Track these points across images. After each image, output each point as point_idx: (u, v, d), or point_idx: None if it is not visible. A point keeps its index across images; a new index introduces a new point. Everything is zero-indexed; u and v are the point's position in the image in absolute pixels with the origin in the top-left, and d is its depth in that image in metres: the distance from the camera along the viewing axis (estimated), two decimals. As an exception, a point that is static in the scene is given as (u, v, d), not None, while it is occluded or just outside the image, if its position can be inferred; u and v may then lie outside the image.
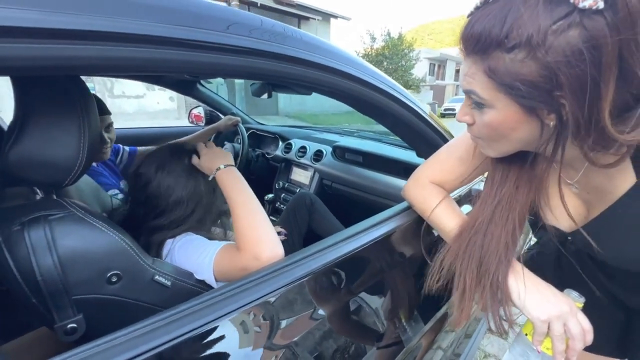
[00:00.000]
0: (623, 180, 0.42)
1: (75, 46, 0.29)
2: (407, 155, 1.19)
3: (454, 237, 0.58)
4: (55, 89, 0.47)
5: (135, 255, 0.48)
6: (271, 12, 12.54)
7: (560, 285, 0.57)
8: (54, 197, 0.48)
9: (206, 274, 0.57)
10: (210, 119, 1.82)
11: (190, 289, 0.55)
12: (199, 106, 1.86)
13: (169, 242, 0.62)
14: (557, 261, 0.68)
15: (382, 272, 0.65)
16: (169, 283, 0.52)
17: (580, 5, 0.30)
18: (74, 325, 0.42)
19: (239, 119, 1.64)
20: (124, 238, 0.47)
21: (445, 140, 0.83)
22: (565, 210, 0.46)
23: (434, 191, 0.65)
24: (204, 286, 0.57)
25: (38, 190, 0.48)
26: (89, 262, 0.44)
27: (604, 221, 0.47)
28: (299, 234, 1.21)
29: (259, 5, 11.71)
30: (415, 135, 0.81)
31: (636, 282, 0.55)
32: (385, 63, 18.55)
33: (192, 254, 0.58)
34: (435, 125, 0.82)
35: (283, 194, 1.64)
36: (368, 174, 1.28)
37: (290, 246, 1.18)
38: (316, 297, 0.53)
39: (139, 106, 9.71)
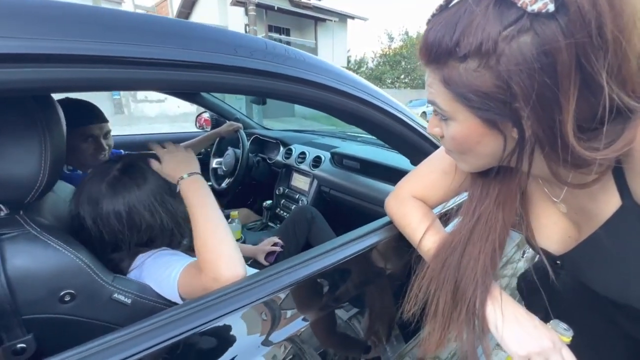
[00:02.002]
0: (606, 202, 0.37)
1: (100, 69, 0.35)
2: (405, 162, 1.14)
3: (431, 257, 0.54)
4: (16, 107, 0.47)
5: (91, 274, 0.48)
6: (288, 14, 12.67)
7: (557, 311, 0.51)
8: (20, 213, 0.48)
9: (172, 293, 0.56)
10: (216, 124, 1.84)
11: (152, 306, 0.54)
12: (207, 111, 1.89)
13: (140, 256, 0.62)
14: (550, 286, 0.62)
15: (364, 285, 0.63)
16: (128, 301, 0.51)
17: (529, 9, 0.27)
18: (23, 345, 0.42)
19: (240, 125, 1.64)
20: (79, 256, 0.47)
21: (436, 148, 0.78)
22: (528, 229, 0.41)
23: (414, 206, 0.61)
24: (169, 304, 0.56)
25: (3, 207, 0.49)
26: (40, 281, 0.44)
27: (588, 247, 0.42)
28: (297, 246, 1.19)
29: (275, 8, 11.86)
30: (407, 144, 0.78)
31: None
32: (403, 63, 18.27)
33: (158, 271, 0.57)
34: (426, 134, 0.78)
35: (283, 201, 1.63)
36: (365, 181, 1.25)
37: (286, 257, 1.16)
38: (298, 307, 0.51)
39: (160, 110, 10.10)
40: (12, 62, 0.31)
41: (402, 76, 18.61)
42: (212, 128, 1.82)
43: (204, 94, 1.75)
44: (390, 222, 0.69)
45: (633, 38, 0.27)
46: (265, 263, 1.11)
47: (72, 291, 0.46)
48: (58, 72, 0.33)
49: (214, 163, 1.79)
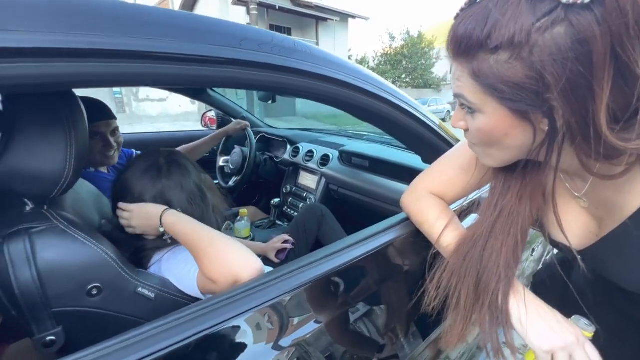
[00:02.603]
0: (635, 195, 0.37)
1: (96, 64, 0.33)
2: (414, 160, 1.14)
3: (452, 252, 0.54)
4: (43, 103, 0.48)
5: (117, 268, 0.48)
6: (289, 14, 12.65)
7: (573, 310, 0.51)
8: (45, 208, 0.49)
9: (192, 289, 0.56)
10: (222, 122, 1.85)
11: (174, 300, 0.54)
12: (212, 110, 1.89)
13: (159, 252, 0.62)
14: (566, 282, 0.62)
15: (380, 283, 0.63)
16: (152, 295, 0.51)
17: (564, 0, 0.27)
18: (53, 337, 0.43)
19: (247, 123, 1.65)
20: (106, 250, 0.47)
21: (451, 147, 0.78)
22: (558, 224, 0.41)
23: (432, 203, 0.61)
24: (190, 298, 0.57)
25: (28, 202, 0.49)
26: (69, 275, 0.44)
27: (613, 241, 0.42)
28: (307, 244, 1.19)
29: (277, 8, 11.84)
30: (420, 142, 0.78)
31: None
32: (404, 62, 18.24)
33: (178, 266, 0.58)
34: (440, 132, 0.78)
35: (290, 199, 1.63)
36: (374, 179, 1.25)
37: (296, 255, 1.16)
38: (312, 306, 0.51)
39: (162, 109, 10.09)
40: (14, 56, 0.29)
41: (403, 75, 18.56)
42: (218, 127, 1.83)
43: (210, 92, 1.76)
44: (406, 219, 0.69)
45: None
46: (276, 260, 1.12)
47: (99, 285, 0.46)
48: (62, 67, 0.32)
49: (221, 161, 1.79)
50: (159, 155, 0.67)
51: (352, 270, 0.58)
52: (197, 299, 0.56)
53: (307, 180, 1.58)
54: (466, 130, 0.43)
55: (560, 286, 0.65)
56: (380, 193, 1.20)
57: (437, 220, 0.59)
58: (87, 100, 0.91)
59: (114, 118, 0.99)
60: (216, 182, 1.75)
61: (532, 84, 0.31)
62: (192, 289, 0.56)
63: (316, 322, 0.51)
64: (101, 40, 0.32)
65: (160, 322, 0.38)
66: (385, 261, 0.65)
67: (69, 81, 0.34)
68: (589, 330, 0.45)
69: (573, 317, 0.47)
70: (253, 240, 1.30)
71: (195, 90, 1.72)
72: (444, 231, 0.57)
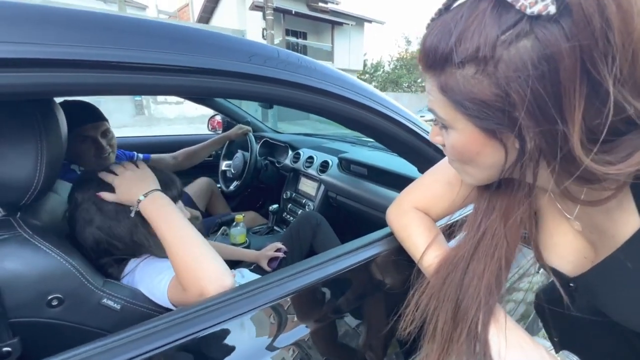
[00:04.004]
0: (625, 223, 0.33)
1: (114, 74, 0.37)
2: (413, 170, 1.10)
3: (432, 272, 0.50)
4: (13, 108, 0.48)
5: (80, 278, 0.47)
6: (305, 19, 12.78)
7: (570, 337, 0.47)
8: (17, 215, 0.49)
9: (163, 300, 0.55)
10: (228, 126, 1.86)
11: (143, 312, 0.53)
12: (219, 113, 1.91)
13: (132, 261, 0.61)
14: (564, 308, 0.57)
15: (361, 299, 0.60)
16: (118, 307, 0.50)
17: (528, 11, 0.25)
18: (9, 348, 0.42)
19: (249, 128, 1.65)
20: (69, 260, 0.47)
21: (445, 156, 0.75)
22: (535, 249, 0.37)
23: (416, 218, 0.58)
24: (160, 310, 0.55)
25: (0, 209, 0.49)
26: (28, 285, 0.43)
27: (605, 270, 0.38)
28: (300, 253, 1.17)
29: (293, 12, 11.99)
30: (416, 153, 0.76)
31: None
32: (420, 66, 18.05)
33: (149, 277, 0.57)
34: (439, 145, 0.75)
35: (290, 205, 1.61)
36: (372, 187, 1.21)
37: (288, 264, 1.14)
38: (290, 319, 0.50)
39: (179, 111, 10.39)
40: (32, 66, 0.32)
41: (419, 80, 18.37)
42: (224, 130, 1.84)
43: (216, 98, 1.78)
44: (390, 234, 0.66)
45: None
46: (267, 269, 1.10)
47: (60, 295, 0.45)
48: (81, 77, 0.35)
49: (223, 165, 1.80)
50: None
51: (332, 284, 0.56)
52: (168, 311, 0.55)
53: (307, 186, 1.56)
54: (443, 146, 0.40)
55: (561, 310, 0.61)
56: (378, 202, 1.16)
57: (420, 237, 0.56)
58: (74, 104, 0.91)
59: (103, 119, 0.95)
60: (218, 186, 1.75)
61: (498, 102, 0.29)
62: (162, 299, 0.55)
63: (305, 328, 0.50)
64: (117, 54, 0.36)
65: (122, 334, 0.37)
66: (368, 276, 0.62)
67: (81, 90, 0.37)
68: (578, 369, 0.41)
69: (561, 352, 0.43)
70: (249, 246, 1.29)
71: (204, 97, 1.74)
72: (427, 250, 0.54)
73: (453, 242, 0.62)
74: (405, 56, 18.69)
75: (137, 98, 9.13)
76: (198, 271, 0.49)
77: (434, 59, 0.32)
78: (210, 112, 1.95)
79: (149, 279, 0.56)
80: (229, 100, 1.82)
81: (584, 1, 0.24)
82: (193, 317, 0.41)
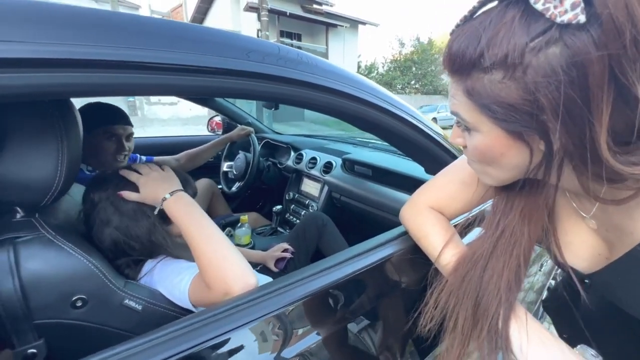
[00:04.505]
0: None
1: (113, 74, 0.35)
2: (418, 170, 1.11)
3: (450, 271, 0.51)
4: (35, 110, 0.47)
5: (103, 279, 0.47)
6: (300, 20, 12.80)
7: (582, 333, 0.48)
8: (35, 216, 0.49)
9: (183, 300, 0.55)
10: (228, 127, 1.86)
11: (163, 313, 0.53)
12: (218, 114, 1.91)
13: (149, 262, 0.61)
14: (578, 305, 0.59)
15: (378, 299, 0.61)
16: (139, 307, 0.50)
17: (558, 20, 0.26)
18: (34, 350, 0.42)
19: (251, 129, 1.65)
20: (92, 261, 0.46)
21: (454, 158, 0.76)
22: (557, 247, 0.39)
23: (431, 217, 0.59)
24: (179, 310, 0.55)
25: (19, 210, 0.49)
26: (53, 286, 0.43)
27: (623, 266, 0.39)
28: (307, 253, 1.17)
29: (288, 14, 11.99)
30: (422, 152, 0.77)
31: None
32: (414, 68, 18.23)
33: (169, 277, 0.57)
34: (443, 143, 0.76)
35: (293, 206, 1.62)
36: (376, 188, 1.22)
37: (295, 264, 1.15)
38: (308, 322, 0.50)
39: (173, 112, 10.29)
40: (27, 67, 0.31)
41: (413, 82, 18.53)
42: (224, 132, 1.84)
43: (216, 98, 1.77)
44: (405, 233, 0.67)
45: None
46: (274, 269, 1.10)
47: (84, 296, 0.45)
48: (72, 77, 0.33)
49: (225, 167, 1.79)
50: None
51: (349, 285, 0.56)
52: (188, 311, 0.55)
53: (310, 187, 1.57)
54: (464, 147, 0.41)
55: (570, 309, 0.62)
56: (383, 202, 1.17)
57: (437, 237, 0.57)
58: (106, 105, 0.97)
59: (131, 125, 1.04)
60: (220, 187, 1.75)
61: (526, 106, 0.30)
62: (183, 300, 0.55)
63: (312, 337, 0.50)
64: (112, 52, 0.34)
65: (147, 337, 0.37)
66: (384, 276, 0.63)
67: (72, 91, 0.35)
68: (596, 362, 0.42)
69: (579, 346, 0.44)
70: (253, 247, 1.29)
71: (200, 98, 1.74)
72: (444, 249, 0.55)
73: (467, 239, 0.63)
74: (398, 58, 18.84)
75: (130, 99, 9.02)
76: (224, 270, 0.49)
77: (461, 63, 0.32)
78: (204, 113, 1.95)
79: (168, 279, 0.56)
80: (227, 100, 1.82)
81: (614, 11, 0.25)
82: (210, 321, 0.41)
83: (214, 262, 0.50)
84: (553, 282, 1.35)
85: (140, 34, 0.36)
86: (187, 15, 15.21)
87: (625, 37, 0.25)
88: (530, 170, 0.35)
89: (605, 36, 0.25)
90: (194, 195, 0.68)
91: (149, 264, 0.60)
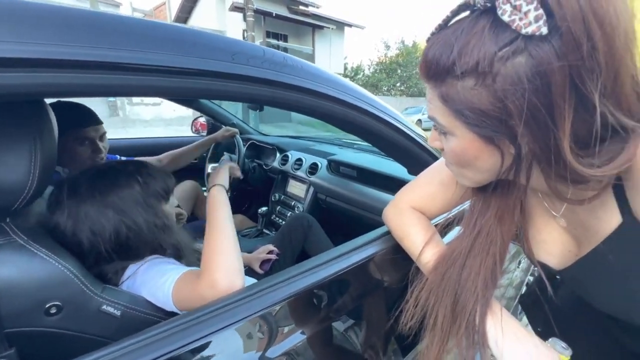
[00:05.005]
0: (608, 220, 0.37)
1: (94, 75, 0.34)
2: (402, 171, 1.14)
3: (430, 269, 0.53)
4: (7, 111, 0.46)
5: (79, 284, 0.46)
6: (286, 21, 12.78)
7: (555, 327, 0.50)
8: (6, 221, 0.47)
9: (166, 302, 0.54)
10: (213, 128, 1.83)
11: (144, 318, 0.52)
12: (203, 115, 1.88)
13: (132, 265, 0.60)
14: (550, 300, 0.61)
15: (361, 298, 0.62)
16: (118, 313, 0.49)
17: (523, 31, 0.28)
18: (5, 360, 0.40)
19: (236, 130, 1.63)
20: (67, 266, 0.45)
21: (435, 158, 0.78)
22: (527, 244, 0.41)
23: (413, 217, 0.61)
24: (162, 315, 0.54)
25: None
26: (25, 293, 0.42)
27: (589, 262, 0.41)
28: (292, 254, 1.18)
29: (274, 15, 11.95)
30: (404, 154, 0.78)
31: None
32: (399, 71, 18.50)
33: (152, 280, 0.56)
34: (424, 144, 0.78)
35: (279, 207, 1.61)
36: (361, 189, 1.24)
37: (281, 266, 1.15)
38: (292, 322, 0.50)
39: (156, 113, 10.05)
40: (5, 66, 0.30)
41: (398, 84, 18.83)
42: (208, 133, 1.81)
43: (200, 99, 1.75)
44: (389, 232, 0.68)
45: (625, 60, 0.28)
46: (260, 271, 1.09)
47: (59, 303, 0.44)
48: (52, 78, 0.32)
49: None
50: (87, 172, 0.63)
51: (333, 284, 0.57)
52: (171, 315, 0.54)
53: (296, 188, 1.57)
54: (442, 150, 0.43)
55: (547, 302, 0.65)
56: (368, 203, 1.19)
57: (418, 236, 0.58)
58: (75, 106, 0.93)
59: (101, 123, 1.00)
60: (204, 189, 1.72)
61: (495, 112, 0.31)
62: (166, 302, 0.54)
63: (297, 336, 0.50)
64: (94, 53, 0.33)
65: (125, 342, 0.37)
66: (367, 275, 0.64)
67: (54, 91, 0.35)
68: (566, 354, 0.44)
69: (550, 339, 0.46)
70: (238, 249, 1.28)
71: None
72: (424, 248, 0.56)
73: (447, 238, 0.65)
74: (384, 60, 19.11)
75: (111, 99, 8.75)
76: (223, 261, 0.53)
77: (436, 70, 0.34)
78: (188, 113, 1.92)
79: (152, 281, 0.55)
80: (212, 101, 1.80)
81: (572, 24, 0.26)
82: (192, 324, 0.41)
83: (217, 251, 0.55)
84: (531, 279, 1.40)
85: (120, 34, 0.35)
86: (170, 14, 14.93)
87: (582, 49, 0.27)
88: (502, 172, 0.37)
89: (565, 47, 0.27)
90: (170, 190, 0.69)
91: (132, 268, 0.59)
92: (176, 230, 0.67)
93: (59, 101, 0.87)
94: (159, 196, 0.65)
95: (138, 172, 0.63)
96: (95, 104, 0.99)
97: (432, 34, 0.35)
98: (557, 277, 0.49)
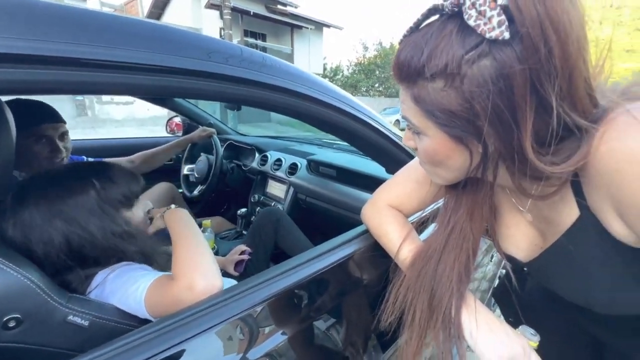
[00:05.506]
0: (567, 214, 0.39)
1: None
2: (381, 170, 1.15)
3: (407, 266, 0.54)
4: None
5: (42, 295, 0.43)
6: (264, 20, 12.64)
7: (525, 317, 0.53)
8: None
9: (138, 309, 0.52)
10: (188, 129, 1.78)
11: (113, 327, 0.49)
12: (178, 115, 1.82)
13: (101, 273, 0.57)
14: (519, 290, 0.64)
15: (341, 297, 0.62)
16: (86, 323, 0.46)
17: (487, 35, 0.29)
18: (-44, 380, 0.37)
19: (213, 130, 1.60)
20: (28, 276, 0.42)
21: (411, 157, 0.80)
22: (493, 237, 0.43)
23: (390, 215, 0.62)
24: (134, 323, 0.52)
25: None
26: (-21, 306, 0.39)
27: (553, 254, 0.44)
28: (265, 252, 1.16)
29: (251, 13, 11.79)
30: (382, 153, 0.79)
31: (604, 317, 0.52)
32: (377, 72, 18.81)
33: (123, 287, 0.53)
34: (400, 142, 0.80)
35: (258, 208, 1.59)
36: (341, 188, 1.25)
37: (255, 265, 1.13)
38: (274, 322, 0.50)
39: (128, 112, 9.63)
40: None
41: (377, 85, 19.15)
42: (184, 133, 1.76)
43: (175, 98, 1.69)
44: (367, 231, 0.69)
45: (579, 64, 0.30)
46: (234, 273, 1.08)
47: (18, 315, 0.41)
48: (13, 74, 0.30)
49: (186, 169, 1.72)
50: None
51: (313, 284, 0.57)
52: (143, 323, 0.52)
53: (276, 189, 1.55)
54: (416, 149, 0.44)
55: (517, 293, 0.68)
56: (348, 202, 1.20)
57: (396, 234, 0.59)
58: (31, 103, 0.86)
59: (62, 122, 0.93)
60: (180, 191, 1.67)
61: (464, 112, 0.33)
62: (139, 309, 0.52)
63: (278, 337, 0.49)
64: (62, 48, 0.31)
65: (96, 352, 0.35)
66: (347, 274, 0.64)
67: (15, 88, 0.32)
68: (534, 340, 0.47)
69: (520, 327, 0.48)
70: (217, 253, 1.25)
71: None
72: (402, 245, 0.57)
73: (424, 235, 0.66)
74: (362, 62, 19.37)
75: (79, 98, 8.29)
76: (197, 262, 0.52)
77: (408, 72, 0.35)
78: (163, 113, 1.86)
79: (122, 289, 0.53)
80: (188, 100, 1.75)
81: (531, 31, 0.28)
82: (167, 330, 0.40)
83: (189, 254, 0.54)
84: (504, 272, 1.46)
85: (86, 29, 0.33)
86: (142, 9, 14.35)
87: (540, 53, 0.29)
88: (471, 170, 0.39)
89: (525, 52, 0.29)
90: (142, 190, 0.67)
91: (100, 275, 0.56)
92: (141, 237, 0.63)
93: (16, 99, 0.81)
94: (117, 202, 0.61)
95: (96, 176, 0.59)
96: (62, 103, 0.93)
97: (404, 36, 0.36)
98: (525, 269, 0.52)
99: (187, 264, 0.52)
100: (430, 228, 0.81)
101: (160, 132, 2.03)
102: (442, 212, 0.52)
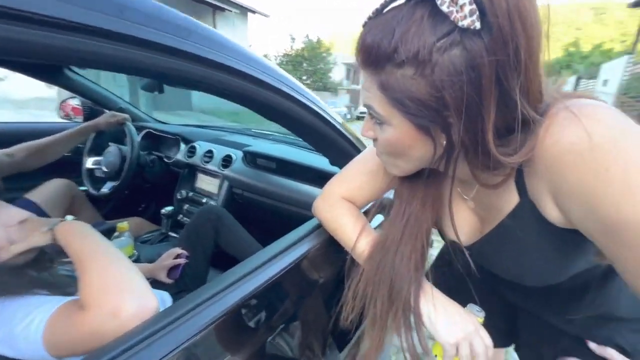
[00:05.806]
0: (508, 200, 0.42)
1: None
2: (322, 162, 1.14)
3: (365, 259, 0.53)
4: None
5: None
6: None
7: (466, 296, 0.57)
8: None
9: (34, 350, 0.39)
10: (90, 113, 1.47)
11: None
12: (76, 97, 1.49)
13: None
14: (456, 271, 0.71)
15: (295, 300, 0.57)
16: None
17: (460, 24, 0.28)
18: None
19: (126, 116, 1.35)
20: None
21: (356, 148, 0.80)
22: (452, 225, 0.45)
23: (344, 208, 0.60)
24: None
25: None
26: None
27: (493, 237, 0.48)
28: (204, 254, 1.04)
29: (165, -13, 10.50)
30: (326, 143, 0.77)
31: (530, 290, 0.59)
32: (304, 64, 18.92)
33: (9, 323, 0.39)
34: (345, 133, 0.78)
35: (187, 205, 1.42)
36: (281, 181, 1.19)
37: (193, 269, 1.00)
38: (223, 344, 0.42)
39: (-2, 92, 7.62)
40: None
41: (305, 77, 19.25)
42: (85, 119, 1.45)
43: (69, 74, 1.37)
44: (319, 226, 0.66)
45: (539, 60, 0.32)
46: (168, 281, 0.94)
47: None
48: None
49: (90, 163, 1.42)
50: None
51: (270, 291, 0.51)
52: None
53: (207, 183, 1.41)
54: (375, 140, 0.42)
55: (456, 275, 0.74)
56: (288, 195, 1.15)
57: (351, 226, 0.58)
58: None
59: None
60: (83, 188, 1.38)
61: (432, 102, 0.32)
62: (34, 350, 0.39)
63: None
64: None
65: None
66: (303, 275, 0.60)
67: None
68: (480, 316, 0.51)
69: (468, 305, 0.52)
70: (138, 260, 1.07)
71: (46, 71, 1.30)
72: (358, 238, 0.56)
73: (374, 223, 0.66)
74: (290, 53, 19.22)
75: None
76: (119, 282, 0.41)
77: (377, 56, 0.33)
78: (51, 94, 1.50)
79: (6, 327, 0.39)
80: (88, 78, 1.44)
81: (501, 22, 0.28)
82: None
83: (106, 273, 0.43)
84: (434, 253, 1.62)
85: None
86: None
87: (509, 46, 0.29)
88: (433, 162, 0.39)
89: (494, 43, 0.29)
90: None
91: None
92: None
93: None
94: None
95: None
96: None
97: (369, 18, 0.34)
98: (467, 251, 0.56)
99: (104, 287, 0.41)
100: (378, 218, 0.83)
101: (48, 116, 1.63)
102: (397, 204, 0.52)
